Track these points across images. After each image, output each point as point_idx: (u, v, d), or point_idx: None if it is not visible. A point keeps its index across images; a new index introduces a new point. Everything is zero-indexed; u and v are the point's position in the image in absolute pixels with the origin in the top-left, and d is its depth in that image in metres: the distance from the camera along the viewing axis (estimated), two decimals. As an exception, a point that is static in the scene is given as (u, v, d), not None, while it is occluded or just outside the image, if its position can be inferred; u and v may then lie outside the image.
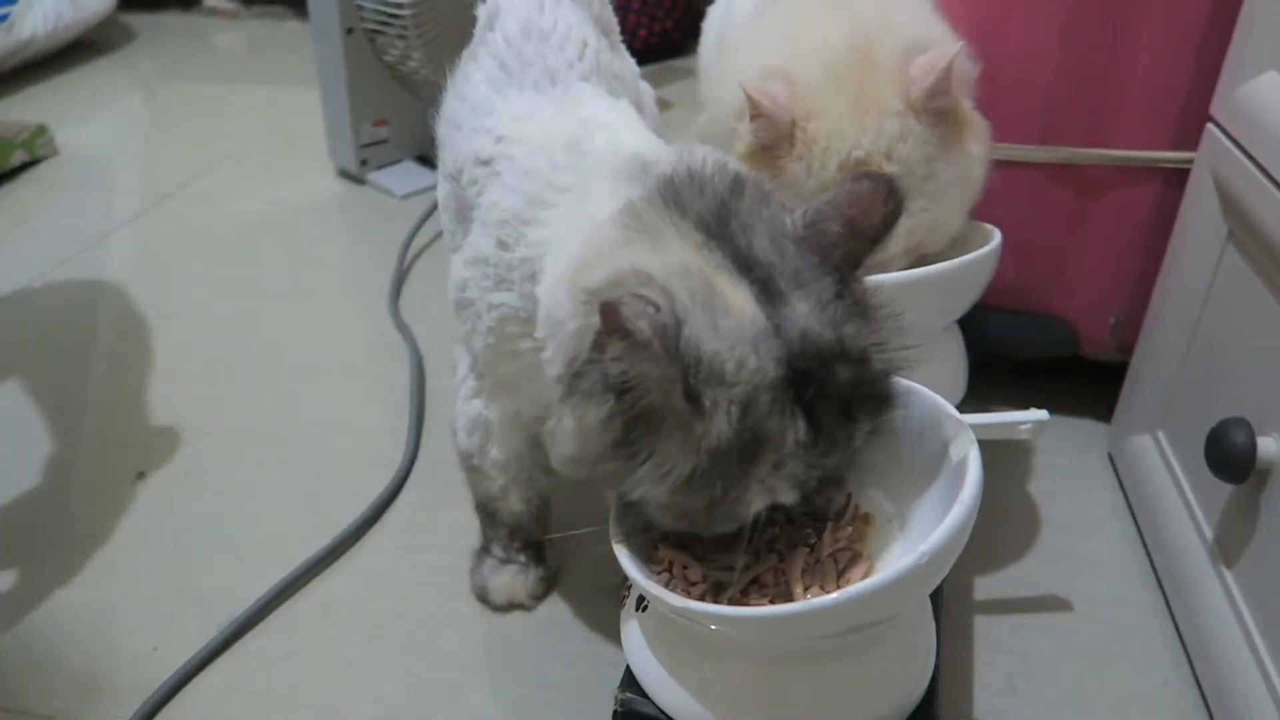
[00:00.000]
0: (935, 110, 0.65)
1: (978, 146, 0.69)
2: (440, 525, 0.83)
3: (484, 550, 0.76)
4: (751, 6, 0.89)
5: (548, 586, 0.76)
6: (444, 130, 0.71)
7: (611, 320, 0.42)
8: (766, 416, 0.44)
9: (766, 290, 0.46)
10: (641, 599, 0.55)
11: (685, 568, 0.52)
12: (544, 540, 0.76)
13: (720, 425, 0.43)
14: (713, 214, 0.48)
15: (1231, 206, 0.69)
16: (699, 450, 0.44)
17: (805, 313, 0.45)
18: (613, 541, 0.52)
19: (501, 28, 0.67)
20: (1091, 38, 0.77)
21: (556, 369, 0.50)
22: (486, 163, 0.61)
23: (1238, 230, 0.69)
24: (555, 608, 0.75)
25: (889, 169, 0.65)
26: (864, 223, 0.48)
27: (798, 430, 0.45)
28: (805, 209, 0.49)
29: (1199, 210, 0.74)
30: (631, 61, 0.80)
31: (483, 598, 0.75)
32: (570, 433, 0.48)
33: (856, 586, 0.43)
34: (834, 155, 0.65)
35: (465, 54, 0.73)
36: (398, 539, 0.82)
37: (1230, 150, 0.68)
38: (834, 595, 0.43)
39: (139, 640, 0.73)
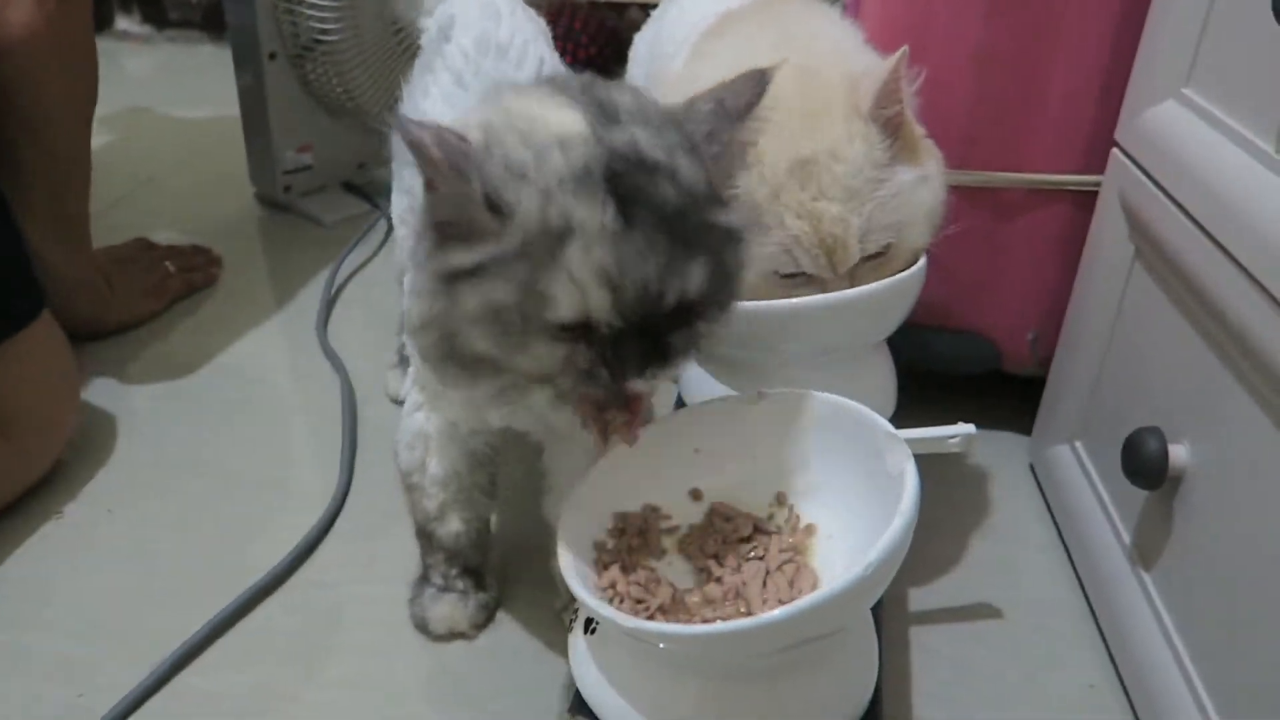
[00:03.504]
0: (885, 119, 0.66)
1: (935, 166, 0.70)
2: (378, 555, 0.81)
3: (423, 579, 0.75)
4: (682, 37, 0.90)
5: (489, 614, 0.75)
6: (399, 145, 0.72)
7: (415, 153, 0.45)
8: (574, 205, 0.45)
9: (605, 115, 0.47)
10: (589, 621, 0.55)
11: (630, 588, 0.53)
12: (483, 566, 0.76)
13: (525, 215, 0.45)
14: (584, 86, 0.50)
15: (1137, 227, 0.73)
16: (507, 242, 0.45)
17: (637, 132, 0.46)
18: (560, 566, 0.52)
19: (457, 41, 0.67)
20: (1004, 68, 0.81)
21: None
22: None
23: (1144, 249, 0.73)
24: (498, 635, 0.75)
25: (836, 168, 0.65)
26: (731, 102, 0.51)
27: (606, 215, 0.45)
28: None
29: (1107, 231, 0.78)
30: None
31: (422, 628, 0.74)
32: (414, 289, 0.50)
33: (807, 599, 0.44)
34: (783, 159, 0.66)
35: (418, 65, 0.73)
36: (334, 571, 0.81)
37: (1134, 174, 0.72)
38: (784, 609, 0.44)
39: (62, 687, 0.70)
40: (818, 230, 0.65)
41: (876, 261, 0.68)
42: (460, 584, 0.74)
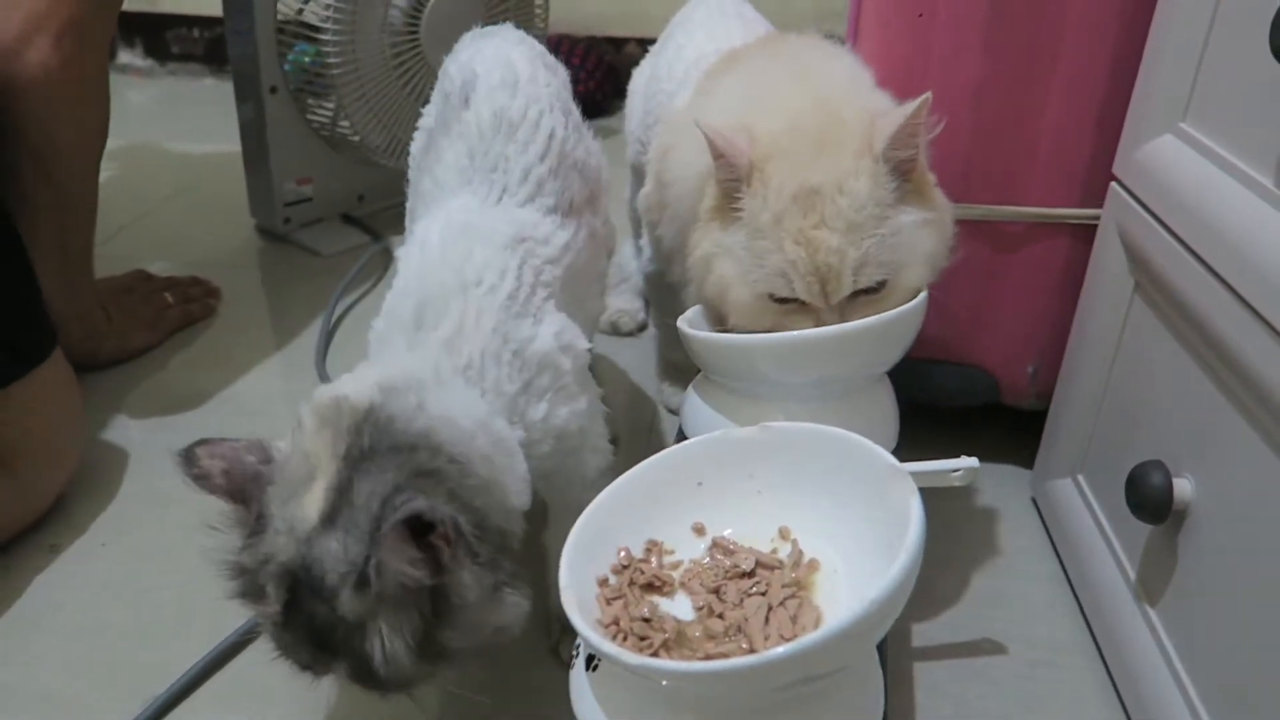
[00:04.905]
0: (896, 161, 0.66)
1: (942, 213, 0.70)
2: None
3: None
4: (680, 74, 0.91)
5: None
6: (414, 202, 0.77)
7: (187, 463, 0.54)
8: (260, 590, 0.53)
9: (333, 510, 0.52)
10: (591, 658, 0.55)
11: (633, 624, 0.52)
12: None
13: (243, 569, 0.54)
14: (357, 445, 0.54)
15: (1137, 260, 0.73)
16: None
17: (331, 547, 0.51)
18: (563, 601, 0.51)
19: (476, 111, 0.71)
20: (1001, 102, 0.81)
21: None
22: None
23: (1144, 282, 0.73)
24: (494, 671, 0.74)
25: (840, 200, 0.65)
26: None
27: (272, 610, 0.52)
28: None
29: (1107, 264, 0.78)
30: (590, 136, 0.81)
31: None
32: None
33: (812, 636, 0.44)
34: (788, 187, 0.66)
35: (437, 124, 0.77)
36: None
37: (1134, 207, 0.72)
38: (789, 645, 0.43)
39: (53, 723, 0.69)
40: (813, 258, 0.66)
41: (871, 297, 0.68)
42: None
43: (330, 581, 0.50)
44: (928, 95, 0.65)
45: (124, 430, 1.02)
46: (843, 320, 0.68)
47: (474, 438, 0.57)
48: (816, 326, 0.68)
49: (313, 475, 0.53)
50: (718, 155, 0.67)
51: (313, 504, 0.52)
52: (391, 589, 0.50)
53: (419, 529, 0.50)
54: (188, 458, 0.54)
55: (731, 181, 0.68)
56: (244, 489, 0.54)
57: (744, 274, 0.69)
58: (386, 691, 0.54)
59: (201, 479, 0.54)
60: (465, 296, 0.62)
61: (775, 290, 0.68)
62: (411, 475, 0.52)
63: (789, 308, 0.69)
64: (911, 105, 0.65)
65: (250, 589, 0.53)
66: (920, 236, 0.68)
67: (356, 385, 0.58)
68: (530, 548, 0.74)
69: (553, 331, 0.65)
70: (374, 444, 0.54)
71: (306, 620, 0.51)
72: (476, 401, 0.60)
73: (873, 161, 0.66)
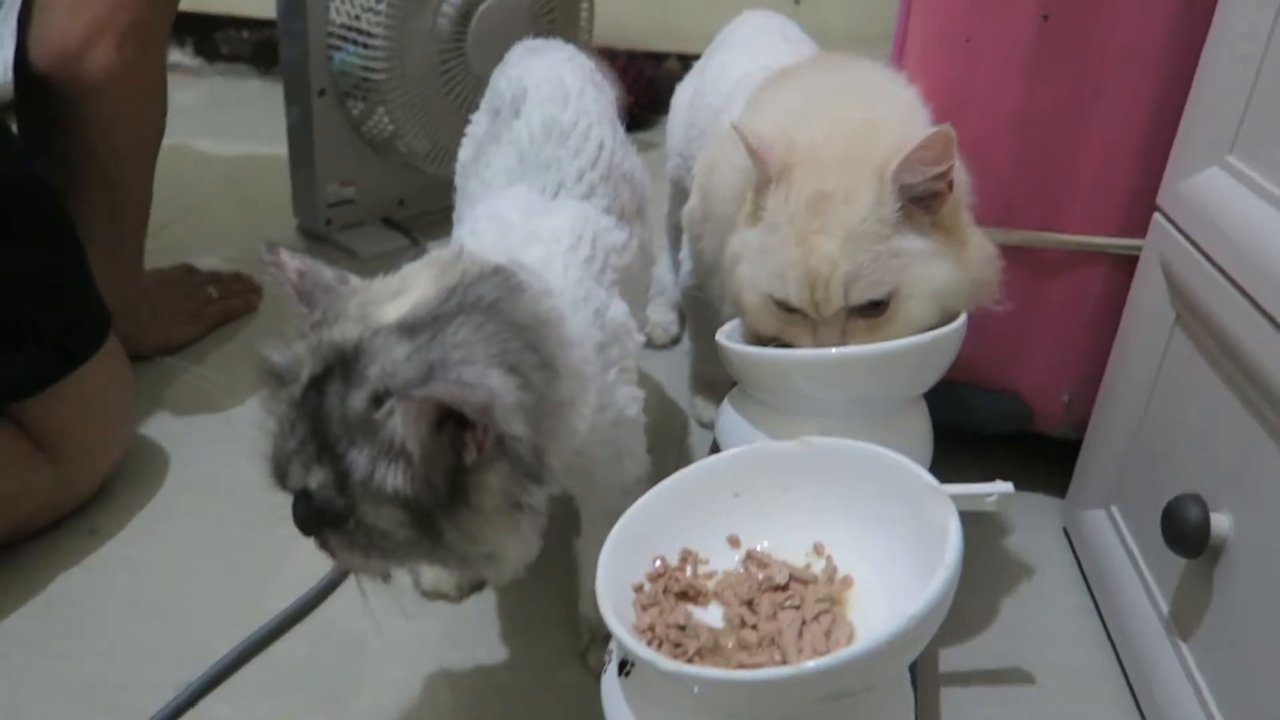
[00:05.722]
0: (906, 185, 0.66)
1: (968, 255, 0.70)
2: (403, 590, 0.81)
3: None
4: (727, 91, 0.92)
5: (477, 585, 0.79)
6: (461, 206, 0.79)
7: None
8: (293, 372, 0.51)
9: (416, 323, 0.50)
10: (624, 663, 0.55)
11: (668, 631, 0.53)
12: None
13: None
14: (474, 291, 0.53)
15: (1179, 292, 0.73)
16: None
17: (390, 344, 0.49)
18: (600, 606, 0.52)
19: (527, 120, 0.72)
20: (1044, 129, 0.82)
21: None
22: None
23: (1185, 314, 0.73)
24: (524, 675, 0.74)
25: (844, 209, 0.66)
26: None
27: (295, 388, 0.50)
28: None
29: (1148, 294, 0.78)
30: (634, 152, 0.82)
31: (415, 582, 0.79)
32: None
33: (850, 650, 0.44)
34: (808, 189, 0.67)
35: (486, 135, 0.78)
36: (359, 603, 0.80)
37: (1177, 239, 0.72)
38: (826, 659, 0.44)
39: (90, 705, 0.70)
40: (807, 262, 0.66)
41: (871, 321, 0.68)
42: None
43: (370, 373, 0.48)
44: (945, 127, 0.65)
45: (163, 421, 1.03)
46: (843, 339, 0.69)
47: (574, 348, 0.56)
48: (814, 340, 0.69)
49: (402, 291, 0.52)
50: (752, 155, 0.69)
51: (395, 310, 0.51)
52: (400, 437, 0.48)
53: (460, 416, 0.47)
54: (270, 247, 0.53)
55: (763, 182, 0.70)
56: (313, 293, 0.53)
57: (756, 271, 0.70)
58: (339, 528, 0.51)
59: (276, 267, 0.53)
60: (549, 247, 0.62)
61: (774, 292, 0.69)
62: (499, 362, 0.50)
63: (792, 317, 0.70)
64: (927, 134, 0.65)
65: (285, 370, 0.51)
66: (928, 269, 0.68)
67: (482, 248, 0.57)
68: (562, 555, 0.75)
69: (624, 309, 0.65)
70: (492, 302, 0.52)
71: (316, 407, 0.49)
72: (582, 319, 0.59)
73: (880, 180, 0.66)
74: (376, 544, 0.51)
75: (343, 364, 0.49)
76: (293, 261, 0.53)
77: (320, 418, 0.49)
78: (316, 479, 0.50)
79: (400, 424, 0.47)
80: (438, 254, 0.55)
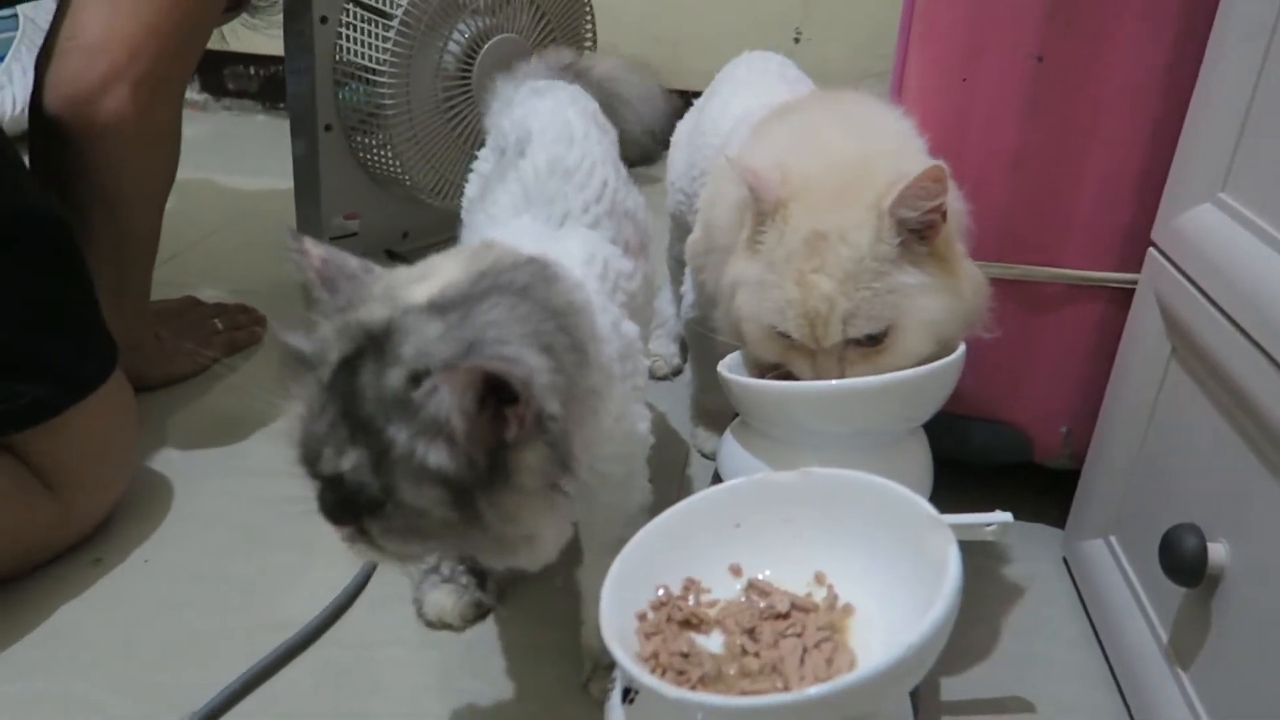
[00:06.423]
0: (903, 220, 0.67)
1: (961, 286, 0.71)
2: (409, 618, 0.81)
3: (433, 568, 0.80)
4: (727, 129, 0.94)
5: (480, 612, 0.80)
6: (469, 238, 0.79)
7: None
8: (320, 355, 0.50)
9: (446, 303, 0.51)
10: (628, 691, 0.55)
11: (672, 659, 0.53)
12: (490, 571, 0.81)
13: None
14: (507, 275, 0.53)
15: (1174, 326, 0.74)
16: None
17: (423, 322, 0.49)
18: (604, 634, 0.52)
19: (532, 159, 0.73)
20: (1040, 166, 0.83)
21: None
22: None
23: (1181, 347, 0.74)
24: (528, 704, 0.74)
25: (841, 249, 0.67)
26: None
27: (324, 370, 0.50)
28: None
29: (1144, 328, 0.79)
30: (636, 192, 0.83)
31: (417, 611, 0.81)
32: None
33: (851, 676, 0.44)
34: (804, 227, 0.69)
35: (492, 173, 0.79)
36: (362, 633, 0.81)
37: (1172, 274, 0.74)
38: (829, 685, 0.44)
39: (90, 734, 0.70)
40: (807, 301, 0.68)
41: (869, 351, 0.70)
42: (464, 579, 0.79)
43: (404, 352, 0.48)
44: (939, 163, 0.66)
45: (167, 453, 1.04)
46: (841, 368, 0.70)
47: (605, 343, 0.57)
48: (813, 369, 0.70)
49: (429, 275, 0.53)
50: (748, 188, 0.70)
51: (423, 292, 0.51)
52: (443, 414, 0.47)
53: (502, 391, 0.46)
54: (294, 234, 0.54)
55: (760, 214, 0.71)
56: (335, 280, 0.53)
57: (757, 304, 0.72)
58: (374, 514, 0.50)
59: (300, 254, 0.53)
60: (564, 261, 0.62)
61: (776, 324, 0.70)
62: (534, 341, 0.50)
63: (792, 345, 0.71)
64: (926, 167, 0.66)
65: (312, 353, 0.51)
66: (924, 301, 0.69)
67: (512, 241, 0.57)
68: (565, 585, 0.76)
69: (635, 329, 0.65)
70: (525, 285, 0.52)
71: (348, 388, 0.48)
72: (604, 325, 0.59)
73: (878, 216, 0.67)
74: (413, 526, 0.50)
75: (374, 344, 0.49)
76: (316, 249, 0.54)
77: (352, 399, 0.48)
78: (350, 461, 0.48)
79: (445, 397, 0.46)
80: (465, 245, 0.56)
